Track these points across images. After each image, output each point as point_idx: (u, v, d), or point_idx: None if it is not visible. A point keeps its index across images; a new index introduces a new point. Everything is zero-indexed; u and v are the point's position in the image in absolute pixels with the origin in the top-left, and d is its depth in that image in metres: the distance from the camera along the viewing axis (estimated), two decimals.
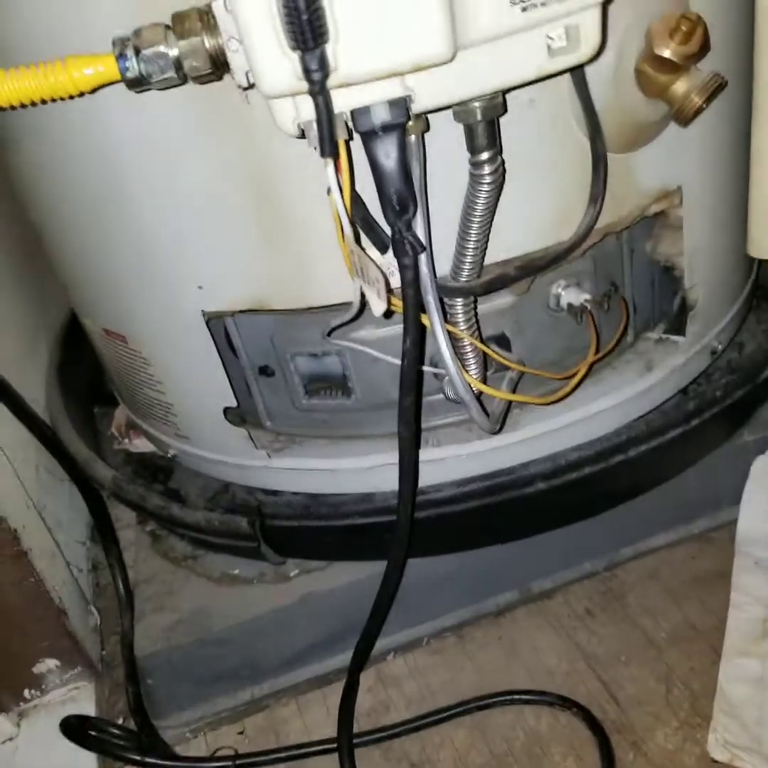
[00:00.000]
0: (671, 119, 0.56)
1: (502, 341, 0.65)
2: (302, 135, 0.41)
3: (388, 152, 0.42)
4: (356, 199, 0.46)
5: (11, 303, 0.81)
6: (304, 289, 0.58)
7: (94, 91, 0.44)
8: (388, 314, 0.46)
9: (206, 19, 0.42)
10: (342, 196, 0.41)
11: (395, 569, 0.63)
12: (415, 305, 0.47)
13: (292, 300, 0.59)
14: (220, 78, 0.44)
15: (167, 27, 0.43)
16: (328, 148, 0.38)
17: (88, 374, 0.91)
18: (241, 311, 0.61)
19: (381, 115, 0.40)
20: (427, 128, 0.46)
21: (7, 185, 0.66)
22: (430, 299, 0.50)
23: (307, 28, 0.35)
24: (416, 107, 0.41)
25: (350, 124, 0.41)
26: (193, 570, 0.75)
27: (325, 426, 0.71)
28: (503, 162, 0.49)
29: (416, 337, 0.49)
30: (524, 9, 0.39)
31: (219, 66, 0.42)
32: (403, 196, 0.44)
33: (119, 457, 0.86)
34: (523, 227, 0.56)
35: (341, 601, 0.73)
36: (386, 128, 0.41)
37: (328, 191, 0.41)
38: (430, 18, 0.36)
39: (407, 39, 0.37)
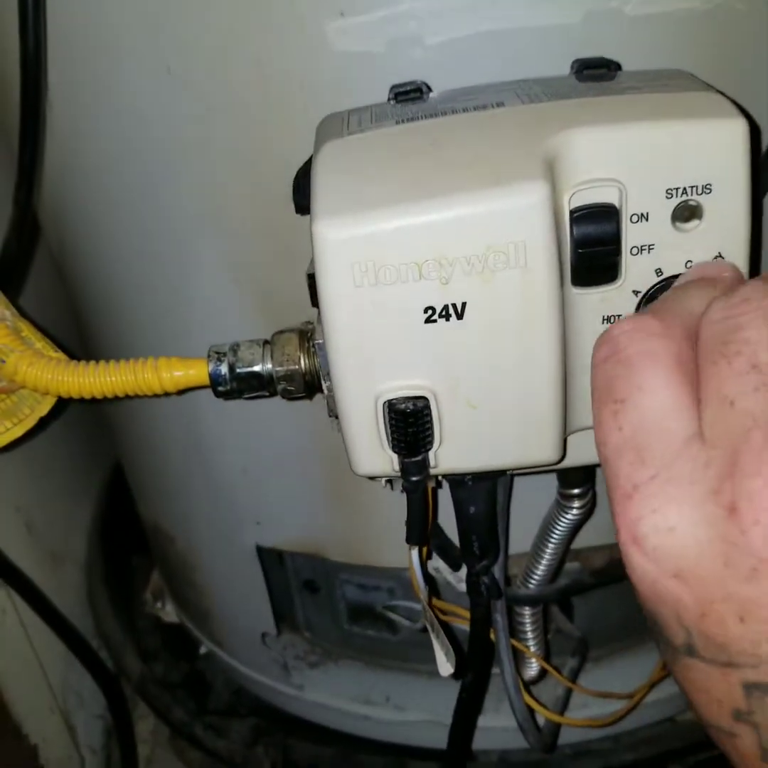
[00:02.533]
0: None
1: (565, 607, 0.62)
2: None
3: (475, 501, 0.40)
4: (436, 531, 0.43)
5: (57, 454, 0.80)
6: (364, 547, 0.56)
7: (181, 392, 0.42)
8: (456, 675, 0.43)
9: (307, 344, 0.40)
10: (420, 557, 0.39)
11: None
12: (480, 639, 0.44)
13: (351, 556, 0.57)
14: (311, 397, 0.42)
15: (266, 343, 0.41)
16: (416, 537, 0.36)
17: (131, 522, 0.89)
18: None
19: None
20: None
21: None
22: (498, 618, 0.47)
23: (411, 441, 0.33)
24: None
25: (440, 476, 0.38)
26: None
27: (366, 651, 0.68)
28: (595, 494, 0.46)
29: (479, 670, 0.45)
30: None
31: (313, 389, 0.41)
32: (486, 544, 0.41)
33: (149, 622, 0.84)
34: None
35: None
36: (476, 478, 0.39)
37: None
38: (545, 433, 0.34)
39: (515, 446, 0.34)
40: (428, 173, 0.31)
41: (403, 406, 0.32)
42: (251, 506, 0.58)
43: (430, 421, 0.33)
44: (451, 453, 0.34)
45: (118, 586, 0.83)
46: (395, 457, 0.34)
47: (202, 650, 0.74)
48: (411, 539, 0.36)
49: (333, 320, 0.31)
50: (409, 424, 0.32)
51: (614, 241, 0.32)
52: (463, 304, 0.31)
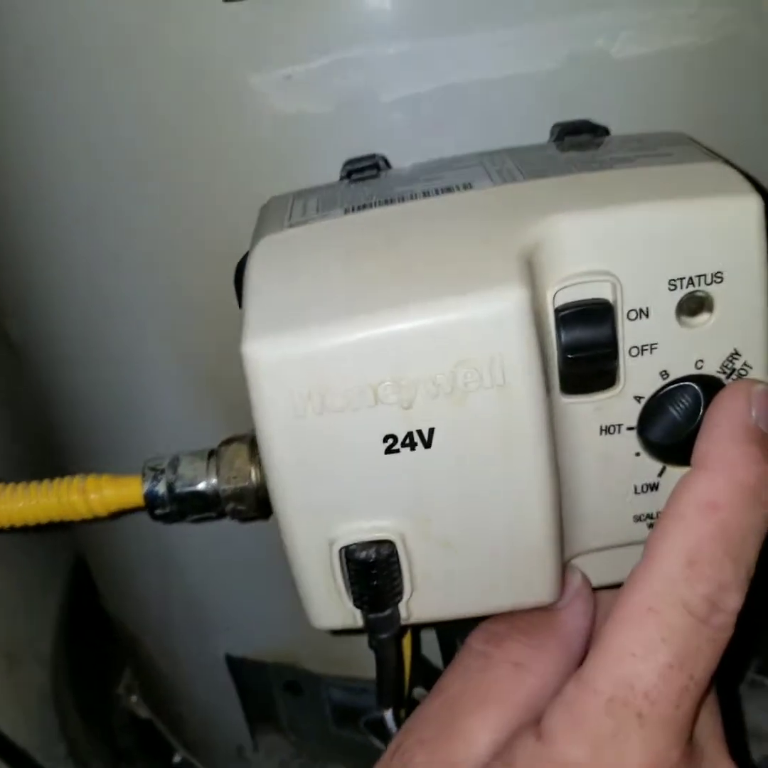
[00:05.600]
0: None
1: None
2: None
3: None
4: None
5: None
6: (345, 657, 0.50)
7: (113, 516, 0.36)
8: None
9: (260, 456, 0.34)
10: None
11: None
12: None
13: (330, 667, 0.51)
14: (266, 517, 0.36)
15: (212, 454, 0.35)
16: (388, 699, 0.30)
17: (100, 612, 0.83)
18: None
19: None
20: None
21: None
22: None
23: (376, 595, 0.27)
24: None
25: None
26: None
27: (355, 756, 0.62)
28: None
29: None
30: (650, 525, 0.31)
31: (268, 508, 0.35)
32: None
33: (123, 718, 0.77)
34: None
35: None
36: None
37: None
38: (539, 570, 0.28)
39: (504, 588, 0.28)
40: (382, 277, 0.25)
41: (363, 554, 0.27)
42: (218, 613, 0.52)
43: (398, 569, 0.27)
44: (426, 602, 0.28)
45: (86, 682, 0.76)
46: (358, 612, 0.28)
47: (177, 758, 0.68)
48: (383, 702, 0.31)
49: (272, 457, 0.26)
50: (372, 575, 0.27)
51: (610, 343, 0.27)
52: (431, 431, 0.26)
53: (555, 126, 0.31)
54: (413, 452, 0.26)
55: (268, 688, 0.62)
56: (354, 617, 0.28)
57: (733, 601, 0.25)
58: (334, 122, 0.33)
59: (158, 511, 0.35)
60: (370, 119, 0.33)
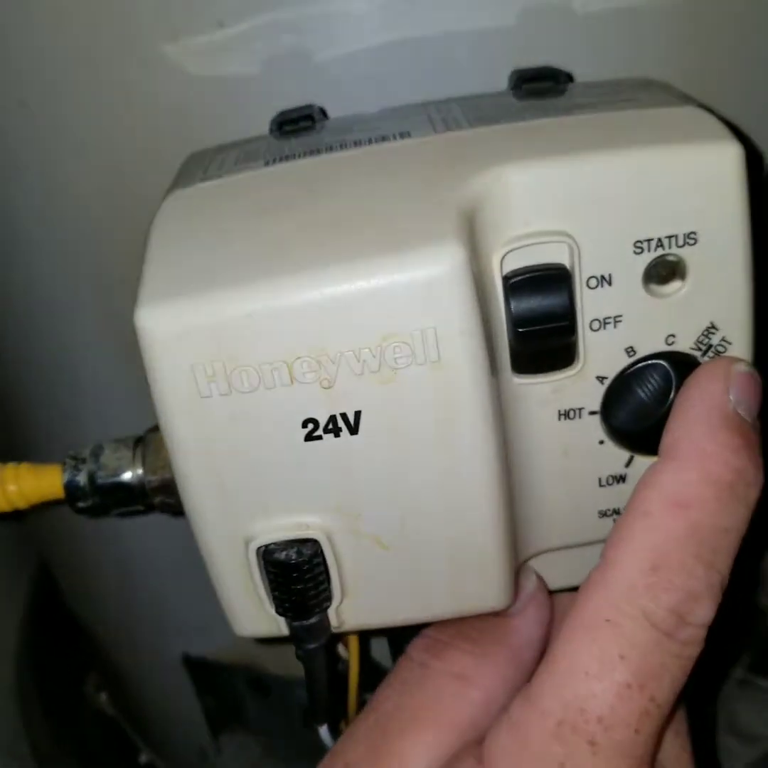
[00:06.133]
0: None
1: None
2: None
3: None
4: None
5: None
6: None
7: (36, 508, 0.33)
8: None
9: None
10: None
11: None
12: None
13: (290, 667, 0.48)
14: None
15: (138, 442, 0.32)
16: (322, 715, 0.26)
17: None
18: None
19: None
20: None
21: None
22: None
23: (299, 601, 0.24)
24: None
25: None
26: None
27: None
28: None
29: None
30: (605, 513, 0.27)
31: None
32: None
33: (89, 715, 0.75)
34: None
35: None
36: None
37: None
38: (487, 572, 0.25)
39: (448, 592, 0.25)
40: (299, 236, 0.22)
41: (283, 554, 0.23)
42: (177, 613, 0.49)
43: (325, 572, 0.24)
44: (359, 608, 0.25)
45: (53, 680, 0.74)
46: (282, 619, 0.25)
47: (143, 759, 0.65)
48: (315, 718, 0.27)
49: (176, 442, 0.23)
50: (294, 579, 0.23)
51: (567, 315, 0.23)
52: (357, 414, 0.22)
53: (513, 73, 0.28)
54: (337, 439, 0.22)
55: (233, 689, 0.59)
56: (278, 625, 0.25)
57: (704, 612, 0.22)
58: (262, 83, 0.29)
59: (80, 504, 0.32)
60: (301, 79, 0.29)
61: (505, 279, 0.23)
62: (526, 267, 0.23)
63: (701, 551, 0.22)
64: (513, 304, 0.23)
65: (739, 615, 0.54)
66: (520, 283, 0.23)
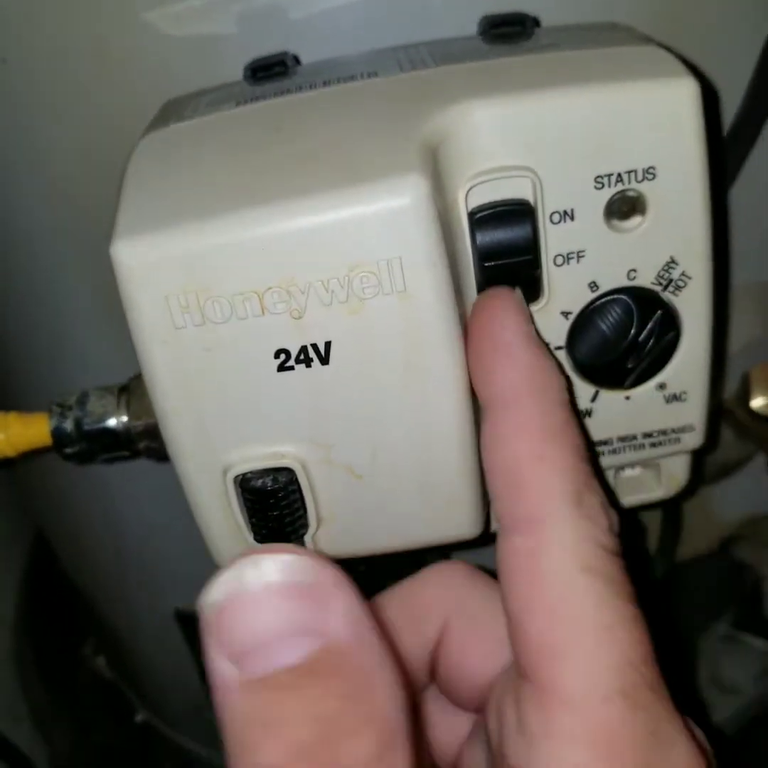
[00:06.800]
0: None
1: None
2: None
3: None
4: None
5: None
6: None
7: (26, 455, 0.34)
8: None
9: None
10: None
11: None
12: None
13: None
14: None
15: (123, 390, 0.33)
16: None
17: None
18: None
19: None
20: None
21: None
22: None
23: (276, 527, 0.25)
24: None
25: None
26: None
27: None
28: None
29: None
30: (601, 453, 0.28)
31: None
32: None
33: (87, 679, 0.76)
34: None
35: None
36: None
37: None
38: (458, 500, 0.26)
39: (421, 521, 0.26)
40: (267, 170, 0.22)
41: (259, 482, 0.24)
42: (169, 569, 0.50)
43: (300, 500, 0.25)
44: (335, 536, 0.26)
45: (50, 645, 0.75)
46: (259, 546, 0.26)
47: (139, 718, 0.66)
48: None
49: (153, 374, 0.23)
50: (270, 505, 0.24)
51: (531, 248, 0.24)
52: (327, 344, 0.23)
53: (482, 19, 0.28)
54: (309, 369, 0.23)
55: None
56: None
57: (616, 518, 0.22)
58: (239, 41, 0.30)
59: (67, 450, 0.33)
60: (278, 36, 0.30)
61: (471, 214, 0.24)
62: (491, 202, 0.24)
63: (588, 466, 0.22)
64: (478, 238, 0.24)
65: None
66: (485, 217, 0.24)
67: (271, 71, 0.28)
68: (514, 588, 0.21)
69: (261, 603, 0.18)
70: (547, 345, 0.25)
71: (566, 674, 0.20)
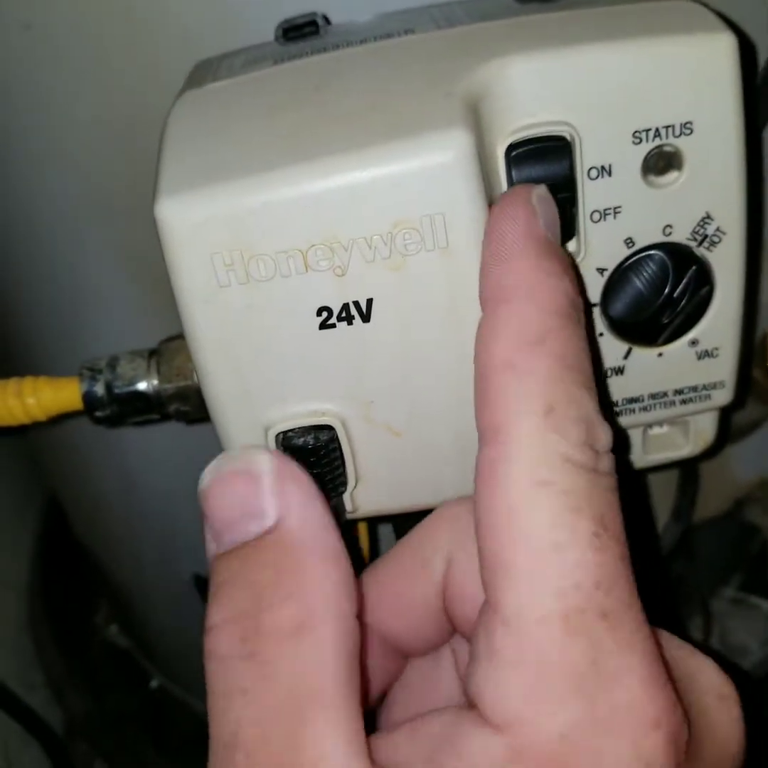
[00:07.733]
0: None
1: None
2: None
3: None
4: None
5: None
6: None
7: (55, 420, 0.34)
8: None
9: None
10: None
11: None
12: None
13: None
14: None
15: (153, 354, 0.33)
16: None
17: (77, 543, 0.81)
18: None
19: None
20: None
21: None
22: None
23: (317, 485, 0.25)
24: None
25: None
26: None
27: None
28: None
29: None
30: (616, 413, 0.29)
31: None
32: None
33: (101, 647, 0.77)
34: None
35: None
36: None
37: None
38: None
39: (457, 476, 0.26)
40: (309, 127, 0.23)
41: (301, 440, 0.25)
42: (185, 534, 0.50)
43: (340, 457, 0.25)
44: (373, 492, 0.26)
45: (64, 612, 0.76)
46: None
47: (154, 684, 0.67)
48: None
49: (196, 333, 0.24)
50: (311, 463, 0.25)
51: (568, 184, 0.24)
52: (369, 301, 0.23)
53: None
54: (350, 327, 0.23)
55: None
56: None
57: (606, 437, 0.20)
58: (264, 4, 0.29)
59: (98, 414, 0.33)
60: None
61: (508, 151, 0.24)
62: (529, 138, 0.24)
63: (576, 377, 0.20)
64: (514, 175, 0.24)
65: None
66: (523, 154, 0.24)
67: (302, 31, 0.27)
68: (477, 502, 0.20)
69: (227, 489, 0.22)
70: (569, 255, 0.24)
71: (508, 593, 0.19)
